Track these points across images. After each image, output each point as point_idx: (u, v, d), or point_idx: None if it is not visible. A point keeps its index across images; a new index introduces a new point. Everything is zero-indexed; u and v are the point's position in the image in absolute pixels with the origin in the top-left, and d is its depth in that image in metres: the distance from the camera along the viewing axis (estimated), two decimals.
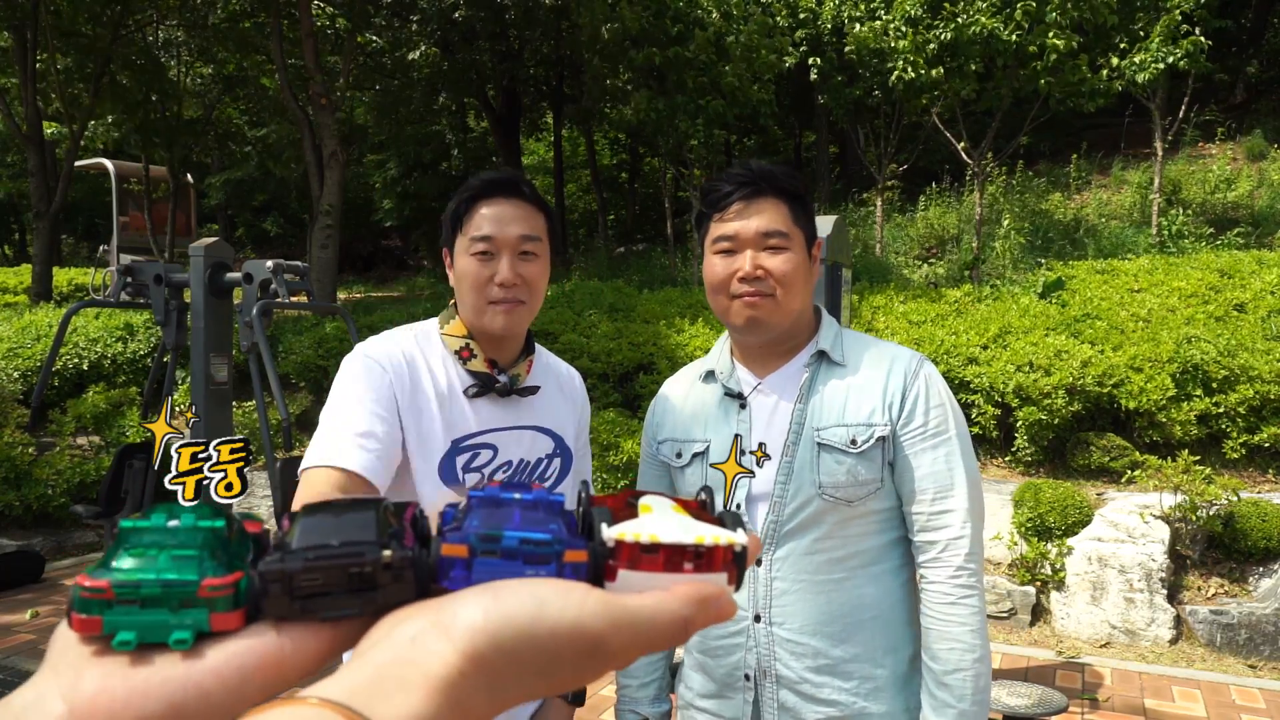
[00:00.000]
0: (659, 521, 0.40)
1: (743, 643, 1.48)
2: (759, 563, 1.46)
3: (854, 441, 1.43)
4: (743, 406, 1.52)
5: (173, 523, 0.38)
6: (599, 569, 0.39)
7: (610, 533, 0.39)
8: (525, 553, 0.38)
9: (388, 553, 0.37)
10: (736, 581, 0.41)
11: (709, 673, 1.54)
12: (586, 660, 0.37)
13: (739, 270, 1.44)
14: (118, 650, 0.35)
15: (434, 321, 1.55)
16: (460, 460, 1.45)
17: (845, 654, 1.44)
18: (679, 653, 1.72)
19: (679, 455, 1.57)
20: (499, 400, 1.50)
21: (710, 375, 1.60)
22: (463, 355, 1.49)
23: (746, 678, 1.48)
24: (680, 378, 1.68)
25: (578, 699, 1.66)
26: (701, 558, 0.40)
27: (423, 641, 0.34)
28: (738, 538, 0.40)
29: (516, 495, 0.41)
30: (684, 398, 1.62)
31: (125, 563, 0.36)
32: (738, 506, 1.49)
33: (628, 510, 0.42)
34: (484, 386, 1.48)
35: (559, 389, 1.62)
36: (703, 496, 0.44)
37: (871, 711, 1.43)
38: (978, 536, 1.43)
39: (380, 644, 0.35)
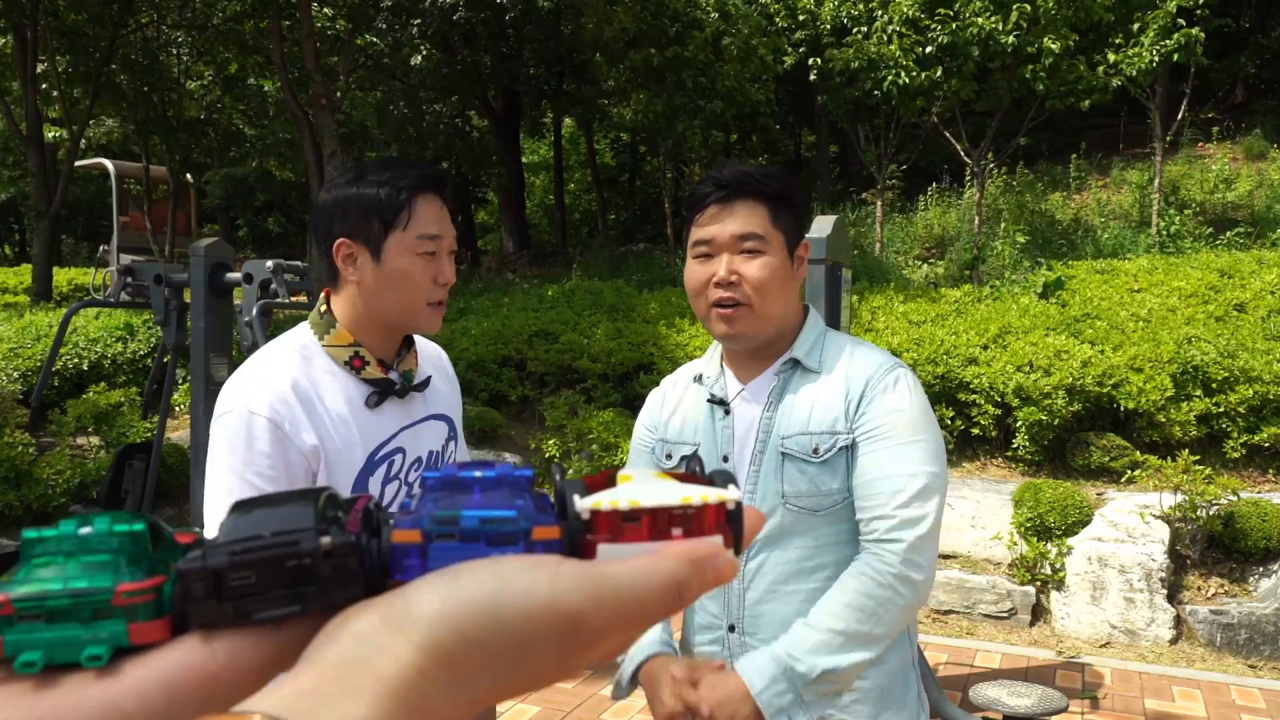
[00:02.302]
0: (639, 487, 0.36)
1: (718, 652, 1.48)
2: None
3: (816, 450, 1.40)
4: (726, 413, 1.51)
5: (84, 530, 0.33)
6: (575, 545, 0.34)
7: (584, 503, 0.34)
8: (488, 533, 0.34)
9: (327, 540, 0.32)
10: (734, 544, 0.36)
11: None
12: (566, 643, 0.32)
13: (715, 275, 1.42)
14: (21, 674, 0.30)
15: (305, 334, 1.43)
16: (378, 474, 1.39)
17: None
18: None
19: (669, 456, 1.57)
20: (397, 400, 1.44)
21: (700, 378, 1.59)
22: (354, 365, 1.40)
23: None
24: (678, 377, 1.67)
25: None
26: (691, 520, 0.35)
27: (373, 638, 0.30)
28: (729, 494, 0.36)
29: (476, 473, 0.36)
30: (679, 399, 1.61)
31: (28, 574, 0.32)
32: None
33: (607, 484, 0.37)
34: (384, 392, 1.41)
35: (438, 372, 1.57)
36: (694, 466, 0.39)
37: None
38: (924, 539, 1.33)
39: (325, 646, 0.30)
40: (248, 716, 0.26)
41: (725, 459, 1.49)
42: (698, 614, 1.52)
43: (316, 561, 0.32)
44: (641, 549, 0.34)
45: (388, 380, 1.41)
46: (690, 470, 0.39)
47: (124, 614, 0.31)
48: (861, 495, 1.38)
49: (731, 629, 1.46)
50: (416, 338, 1.55)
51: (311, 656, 0.30)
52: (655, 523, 0.35)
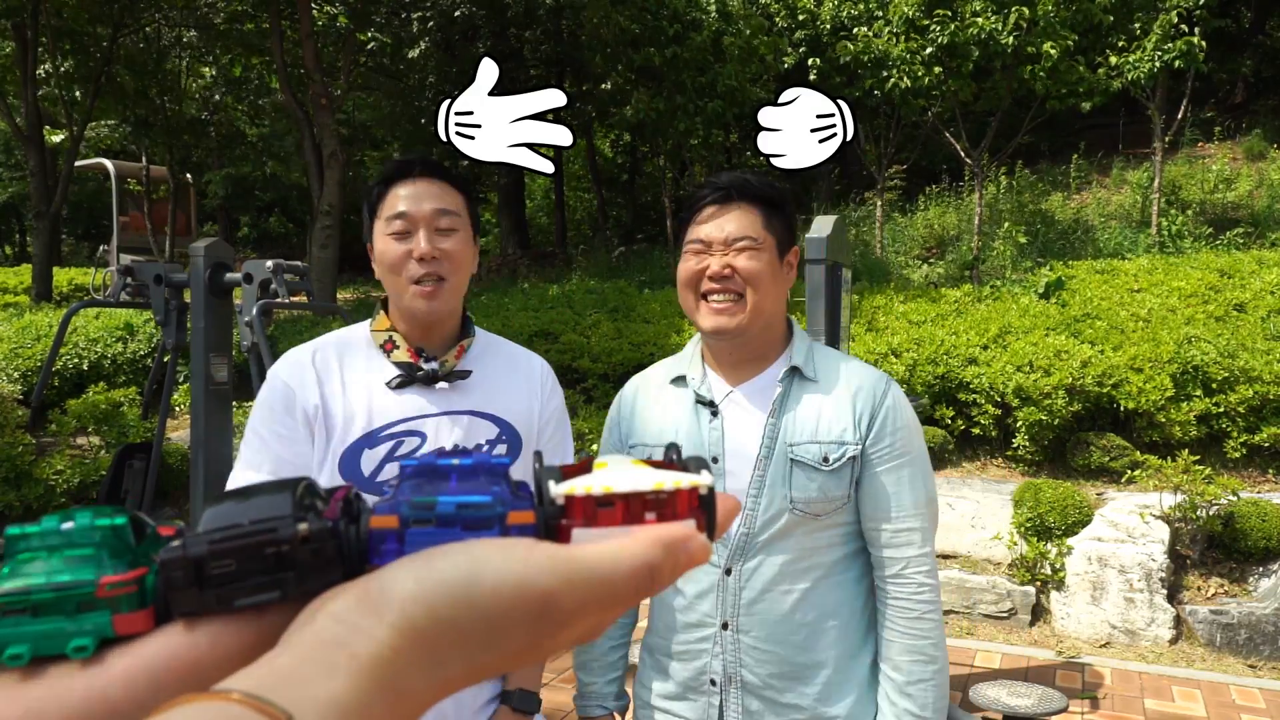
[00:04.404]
0: (614, 473, 0.36)
1: (709, 649, 1.51)
2: (728, 572, 1.49)
3: (826, 459, 1.46)
4: (714, 415, 1.52)
5: (67, 525, 0.34)
6: (550, 529, 0.35)
7: (559, 489, 0.35)
8: (464, 518, 0.34)
9: (304, 526, 0.33)
10: (707, 528, 0.36)
11: (672, 675, 1.56)
12: (538, 624, 0.32)
13: (708, 269, 1.46)
14: (9, 666, 0.31)
15: (366, 323, 1.57)
16: (379, 450, 1.44)
17: (808, 660, 1.48)
18: (634, 654, 1.71)
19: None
20: (430, 389, 1.48)
21: (681, 380, 1.58)
22: (386, 348, 1.49)
23: (712, 682, 1.51)
24: (649, 378, 1.65)
25: (527, 702, 1.55)
26: (664, 505, 0.35)
27: (349, 619, 0.30)
28: (702, 479, 0.36)
29: (454, 461, 0.37)
30: (654, 400, 1.60)
31: (13, 570, 0.32)
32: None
33: (583, 471, 0.38)
34: (407, 376, 1.46)
35: (513, 374, 1.59)
36: (672, 455, 0.39)
37: (833, 714, 1.48)
38: (933, 555, 1.51)
39: (303, 627, 0.31)
40: (227, 694, 0.27)
41: (715, 460, 1.50)
42: (685, 614, 1.53)
43: (294, 548, 0.33)
44: (615, 533, 0.35)
45: (412, 365, 1.48)
46: (668, 458, 0.39)
47: (108, 605, 0.32)
48: (878, 517, 1.49)
49: (725, 626, 1.49)
50: (506, 345, 1.64)
51: (290, 637, 0.31)
52: (629, 508, 0.35)
